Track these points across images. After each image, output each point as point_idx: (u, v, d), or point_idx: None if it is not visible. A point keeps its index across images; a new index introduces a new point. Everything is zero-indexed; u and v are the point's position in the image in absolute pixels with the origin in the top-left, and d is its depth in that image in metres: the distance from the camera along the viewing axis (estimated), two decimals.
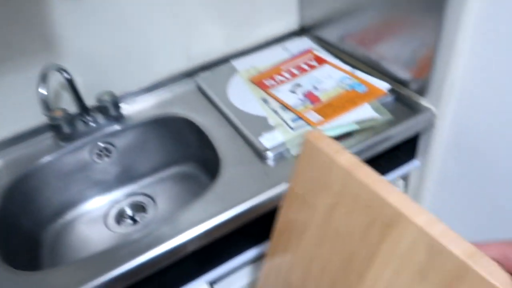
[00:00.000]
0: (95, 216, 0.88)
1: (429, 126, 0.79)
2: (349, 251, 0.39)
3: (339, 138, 0.71)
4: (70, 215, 0.87)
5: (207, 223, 0.62)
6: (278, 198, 0.66)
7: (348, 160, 0.37)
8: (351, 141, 0.71)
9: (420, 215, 0.32)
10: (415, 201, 0.34)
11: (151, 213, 0.88)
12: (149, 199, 0.92)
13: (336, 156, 0.37)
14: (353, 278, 0.39)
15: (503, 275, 0.28)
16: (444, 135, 0.81)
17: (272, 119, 0.76)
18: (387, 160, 0.81)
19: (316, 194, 0.41)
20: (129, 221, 0.89)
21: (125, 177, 0.92)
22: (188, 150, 0.91)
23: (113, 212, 0.89)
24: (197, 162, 0.92)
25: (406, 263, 0.34)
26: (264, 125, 0.75)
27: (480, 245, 0.31)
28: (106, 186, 0.90)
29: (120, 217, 0.89)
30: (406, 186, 0.91)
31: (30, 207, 0.79)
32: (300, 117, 0.74)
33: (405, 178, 0.92)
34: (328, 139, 0.40)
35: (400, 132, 0.74)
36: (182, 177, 0.93)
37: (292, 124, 0.73)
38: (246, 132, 0.74)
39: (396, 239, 0.34)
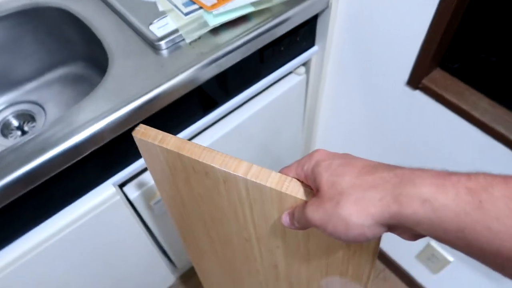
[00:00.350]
0: None
1: (325, 7, 0.78)
2: (218, 206, 0.47)
3: (236, 21, 0.68)
4: None
5: (101, 122, 0.57)
6: (176, 90, 0.63)
7: (174, 143, 0.42)
8: (248, 25, 0.68)
9: (239, 167, 0.39)
10: (228, 158, 0.40)
11: (41, 121, 0.80)
12: (37, 107, 0.83)
13: (163, 143, 0.42)
14: (232, 222, 0.49)
15: (301, 189, 0.37)
16: (339, 18, 0.81)
17: (162, 4, 0.68)
18: (287, 46, 0.80)
19: (171, 174, 0.47)
20: (17, 132, 0.81)
21: (2, 84, 0.80)
22: (72, 47, 0.80)
23: None
24: (85, 61, 0.83)
25: (254, 205, 0.42)
26: (153, 12, 0.68)
27: (283, 171, 0.39)
28: None
29: (5, 129, 0.80)
30: (307, 71, 0.93)
31: None
32: (192, 0, 0.68)
33: (306, 65, 0.93)
34: (153, 131, 0.44)
35: (297, 13, 0.72)
36: (72, 79, 0.84)
37: (184, 9, 0.67)
38: (134, 20, 0.67)
39: (235, 190, 0.41)
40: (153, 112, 0.62)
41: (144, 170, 0.74)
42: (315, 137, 1.16)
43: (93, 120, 0.57)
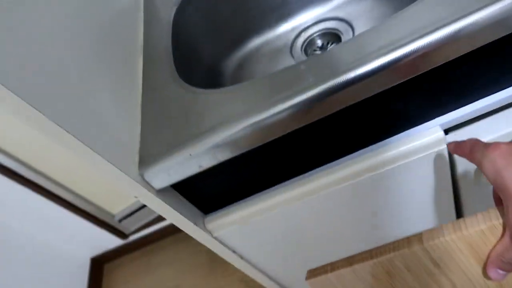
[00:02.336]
0: (279, 46, 0.74)
1: None
2: None
3: None
4: (251, 44, 0.75)
5: (433, 35, 0.38)
6: None
7: (341, 264, 0.41)
8: None
9: (411, 241, 0.36)
10: None
11: None
12: (345, 25, 0.71)
13: (334, 270, 0.41)
14: None
15: (479, 215, 0.33)
16: None
17: None
18: None
19: None
20: (320, 52, 0.73)
21: None
22: None
23: (300, 42, 0.73)
24: None
25: (451, 276, 0.37)
26: None
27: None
28: (289, 10, 0.73)
29: (309, 47, 0.73)
30: None
31: (209, 33, 0.70)
32: None
33: None
34: (319, 268, 0.42)
35: None
36: None
37: None
38: None
39: (423, 270, 0.37)
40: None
41: (484, 115, 0.50)
42: None
43: (421, 30, 0.38)
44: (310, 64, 0.44)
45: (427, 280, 0.37)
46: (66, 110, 0.41)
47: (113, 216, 1.57)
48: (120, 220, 1.59)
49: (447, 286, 0.38)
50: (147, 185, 0.47)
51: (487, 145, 0.35)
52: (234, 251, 0.64)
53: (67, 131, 0.39)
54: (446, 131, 0.50)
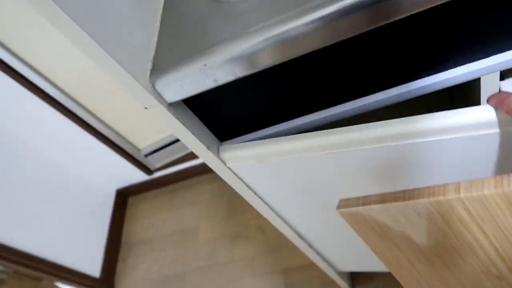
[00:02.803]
0: None
1: None
2: (448, 250, 0.40)
3: None
4: None
5: None
6: None
7: (375, 199, 0.40)
8: None
9: (447, 190, 0.34)
10: None
11: None
12: None
13: (366, 204, 0.40)
14: (471, 260, 0.40)
15: None
16: None
17: None
18: None
19: (386, 237, 0.43)
20: None
21: None
22: None
23: None
24: None
25: (483, 225, 0.35)
26: None
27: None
28: None
29: None
30: None
31: None
32: None
33: None
34: (352, 200, 0.42)
35: None
36: None
37: None
38: None
39: (455, 218, 0.36)
40: None
41: None
42: None
43: None
44: None
45: (459, 227, 0.36)
46: (82, 4, 0.37)
47: (139, 150, 1.59)
48: (146, 155, 1.61)
49: (480, 236, 0.36)
50: (158, 96, 0.44)
51: None
52: (248, 186, 0.61)
53: (79, 26, 0.36)
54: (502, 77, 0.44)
